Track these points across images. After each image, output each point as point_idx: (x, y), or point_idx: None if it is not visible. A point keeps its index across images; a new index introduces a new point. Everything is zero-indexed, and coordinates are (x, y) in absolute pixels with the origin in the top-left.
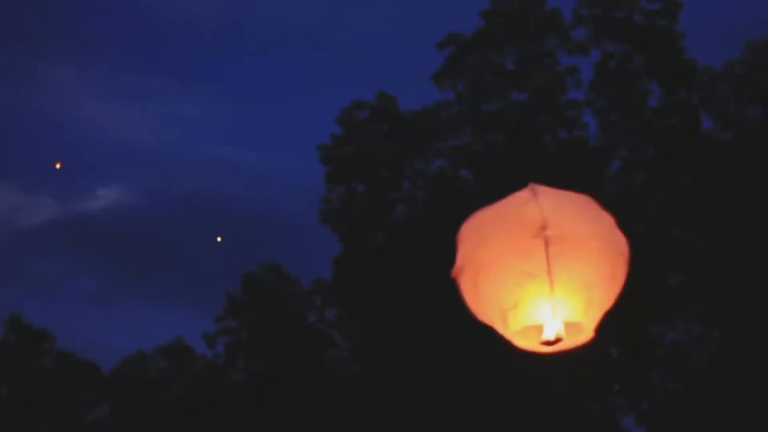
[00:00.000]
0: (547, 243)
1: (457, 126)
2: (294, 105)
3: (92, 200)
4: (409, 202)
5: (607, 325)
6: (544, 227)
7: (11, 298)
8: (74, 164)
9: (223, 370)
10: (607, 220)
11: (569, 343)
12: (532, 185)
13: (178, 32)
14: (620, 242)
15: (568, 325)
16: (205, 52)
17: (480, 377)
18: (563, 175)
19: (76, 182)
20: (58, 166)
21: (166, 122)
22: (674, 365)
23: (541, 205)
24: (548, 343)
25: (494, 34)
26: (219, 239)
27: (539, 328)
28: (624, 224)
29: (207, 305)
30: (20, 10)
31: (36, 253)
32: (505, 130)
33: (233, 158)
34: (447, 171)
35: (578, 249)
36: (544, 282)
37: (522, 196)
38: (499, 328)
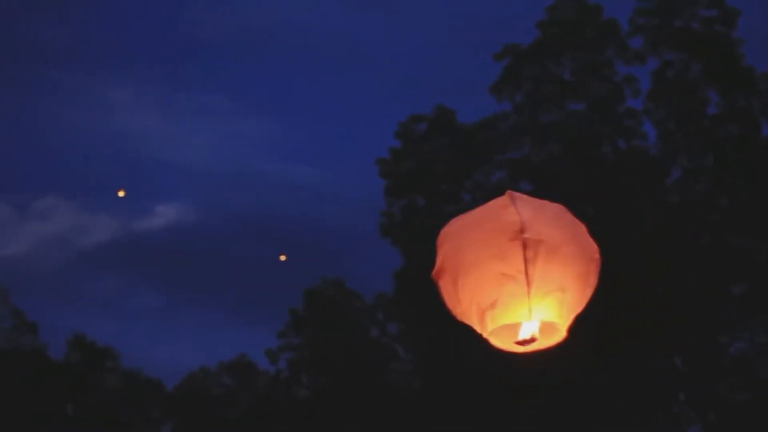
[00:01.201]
0: (524, 246)
1: (515, 137)
2: (352, 120)
3: (151, 218)
4: None
5: (671, 334)
6: (521, 231)
7: (74, 317)
8: (133, 183)
9: (287, 386)
10: (580, 227)
11: (543, 343)
12: (509, 192)
13: (233, 50)
14: (592, 248)
15: (543, 326)
16: (261, 70)
17: (542, 392)
18: (623, 185)
19: (135, 201)
20: (121, 193)
21: (223, 140)
22: (740, 375)
23: (518, 210)
24: (523, 343)
25: (551, 45)
26: (283, 258)
27: (515, 328)
28: (685, 233)
29: (269, 321)
30: (77, 35)
31: (97, 271)
32: (564, 141)
33: (292, 174)
34: (506, 183)
35: (553, 253)
36: (521, 283)
37: (500, 202)
38: (477, 328)
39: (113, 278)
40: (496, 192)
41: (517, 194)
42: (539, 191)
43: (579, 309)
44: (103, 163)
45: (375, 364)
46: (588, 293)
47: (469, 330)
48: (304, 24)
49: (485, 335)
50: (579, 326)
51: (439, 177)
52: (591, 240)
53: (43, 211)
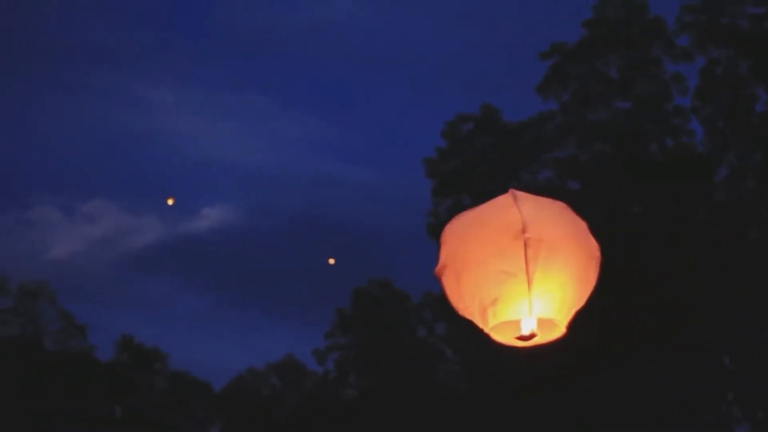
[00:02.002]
0: (525, 245)
1: (562, 136)
2: (398, 120)
3: (198, 220)
4: None
5: (719, 332)
6: (523, 230)
7: (122, 319)
8: (179, 185)
9: (334, 386)
10: (581, 225)
11: (543, 338)
12: (512, 191)
13: (278, 50)
14: (593, 246)
15: (543, 322)
16: (308, 70)
17: (594, 393)
18: (671, 184)
19: (181, 203)
20: (170, 201)
21: (270, 140)
22: None
23: (520, 209)
24: (524, 338)
25: (598, 43)
26: (332, 262)
27: (516, 324)
28: (733, 230)
29: (316, 322)
30: (121, 37)
31: (144, 273)
32: (611, 140)
33: (338, 175)
34: (554, 182)
35: (554, 251)
36: (522, 281)
37: (503, 200)
38: (479, 323)
39: (160, 280)
40: (544, 191)
41: (520, 193)
42: (586, 190)
43: (579, 306)
44: (150, 165)
45: (422, 364)
46: (588, 290)
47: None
48: (351, 24)
49: (487, 330)
50: (625, 324)
51: (486, 176)
52: (592, 238)
53: (90, 213)
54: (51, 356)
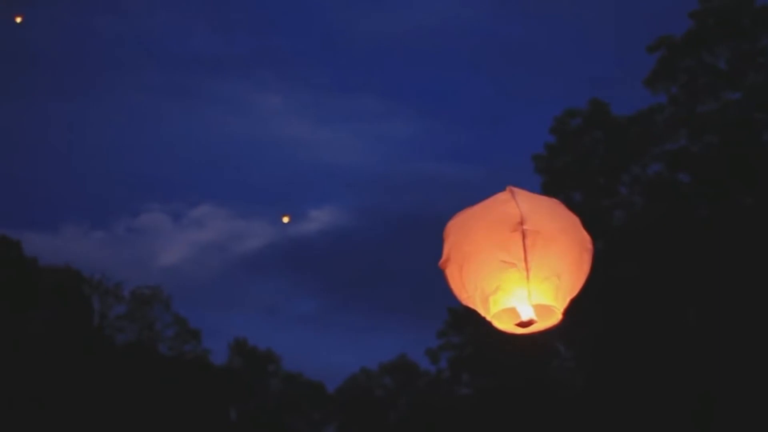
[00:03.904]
0: (524, 236)
1: (672, 129)
2: (505, 117)
3: (307, 223)
4: (626, 208)
5: None
6: (521, 222)
7: (234, 323)
8: (287, 188)
9: (448, 385)
10: (574, 219)
11: (541, 325)
12: (509, 187)
13: (383, 52)
14: (585, 239)
15: (541, 309)
16: (413, 71)
17: (703, 387)
18: None
19: (290, 206)
20: (286, 219)
21: (377, 142)
22: None
23: (518, 204)
24: (523, 325)
25: (705, 35)
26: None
27: (515, 312)
28: None
29: (428, 321)
30: (228, 44)
31: (255, 277)
32: (721, 131)
33: (445, 174)
34: (664, 175)
35: (550, 242)
36: (521, 270)
37: (501, 196)
38: (481, 311)
39: (271, 283)
40: (655, 185)
41: (517, 189)
42: (698, 182)
43: (573, 293)
44: (258, 169)
45: (536, 361)
46: (582, 279)
47: (632, 324)
48: (453, 24)
49: (488, 318)
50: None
51: (596, 171)
52: (584, 231)
53: (200, 218)
54: (166, 361)
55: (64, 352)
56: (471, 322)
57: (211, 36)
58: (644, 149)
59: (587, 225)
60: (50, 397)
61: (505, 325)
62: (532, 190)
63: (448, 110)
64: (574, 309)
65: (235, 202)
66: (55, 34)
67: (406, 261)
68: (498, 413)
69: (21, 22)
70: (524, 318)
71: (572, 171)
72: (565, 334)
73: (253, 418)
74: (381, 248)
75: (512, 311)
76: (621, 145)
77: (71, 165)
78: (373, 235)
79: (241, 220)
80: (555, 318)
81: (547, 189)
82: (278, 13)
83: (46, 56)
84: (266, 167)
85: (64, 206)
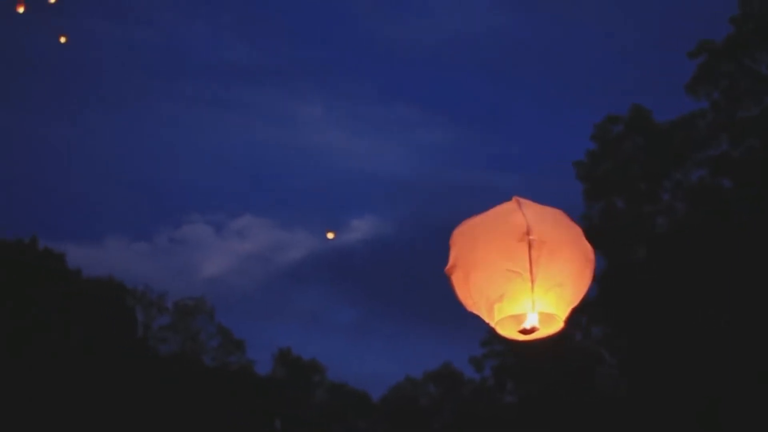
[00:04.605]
0: (529, 246)
1: (714, 134)
2: (545, 124)
3: (348, 232)
4: (669, 215)
5: None
6: (527, 233)
7: (277, 333)
8: (327, 198)
9: (492, 394)
10: (577, 230)
11: (544, 332)
12: (515, 198)
13: (421, 61)
14: (588, 249)
15: (544, 317)
16: (451, 79)
17: (750, 392)
18: None
19: (330, 216)
20: (331, 236)
21: (416, 150)
22: None
23: (525, 214)
24: (526, 332)
25: (746, 40)
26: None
27: (519, 319)
28: None
29: (472, 329)
30: (266, 54)
31: (298, 287)
32: (762, 136)
33: (487, 182)
34: (706, 181)
35: (554, 252)
36: (526, 279)
37: (507, 206)
38: (485, 318)
39: (314, 293)
40: (697, 191)
41: (523, 200)
42: (740, 187)
43: (575, 302)
44: (298, 179)
45: (580, 368)
46: (583, 289)
47: (677, 330)
48: (492, 32)
49: (492, 324)
50: None
51: (638, 177)
52: (587, 242)
53: (242, 229)
54: (210, 372)
55: (109, 364)
56: None
57: (248, 47)
58: (686, 155)
59: (629, 231)
60: (96, 408)
61: (508, 331)
62: (574, 197)
63: (486, 118)
64: (617, 316)
65: (277, 212)
66: (94, 47)
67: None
68: (542, 421)
69: (65, 42)
70: (527, 326)
71: (614, 177)
72: (608, 340)
73: (299, 429)
74: (422, 256)
75: (516, 318)
76: (663, 151)
77: (114, 177)
78: (414, 243)
79: (282, 231)
80: (557, 326)
81: (589, 196)
82: (315, 23)
83: (85, 69)
84: (306, 177)
85: (106, 218)
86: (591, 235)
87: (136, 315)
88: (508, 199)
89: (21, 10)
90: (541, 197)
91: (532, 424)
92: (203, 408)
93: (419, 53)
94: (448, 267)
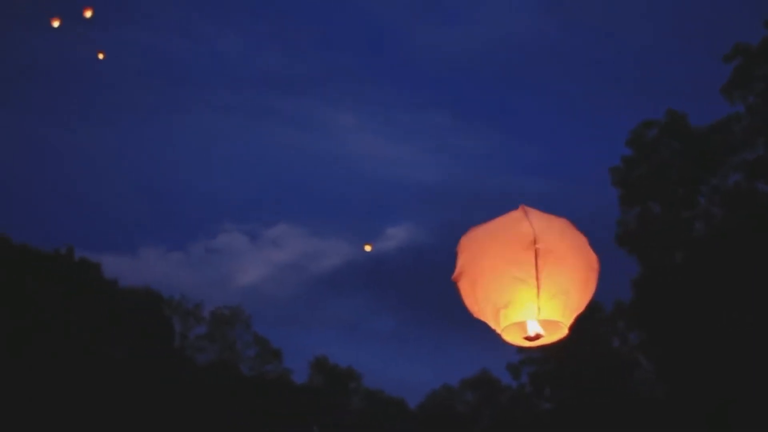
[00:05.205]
0: (536, 254)
1: (750, 138)
2: (579, 130)
3: (383, 240)
4: (706, 219)
5: None
6: (534, 242)
7: (314, 341)
8: (363, 206)
9: (529, 400)
10: (582, 239)
11: (548, 339)
12: (522, 206)
13: (456, 68)
14: (592, 258)
15: (549, 324)
16: (483, 86)
17: None
18: None
19: (366, 223)
20: (368, 248)
21: (451, 158)
22: None
23: (531, 223)
24: (531, 339)
25: None
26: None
27: (524, 325)
28: None
29: None
30: (299, 63)
31: (333, 295)
32: None
33: (521, 188)
34: (742, 185)
35: (560, 261)
36: (532, 287)
37: (514, 215)
38: (492, 324)
39: (350, 301)
40: (733, 195)
41: (529, 209)
42: None
43: (580, 310)
44: (332, 187)
45: (617, 374)
46: (588, 297)
47: (715, 335)
48: (526, 39)
49: (498, 331)
50: None
51: (674, 182)
52: (591, 251)
53: (277, 238)
54: (248, 381)
55: (146, 373)
56: None
57: (282, 56)
58: (722, 159)
59: (666, 237)
60: (134, 417)
61: (514, 338)
62: (610, 203)
63: (520, 124)
64: (654, 321)
65: (311, 220)
66: (129, 57)
67: None
68: (579, 427)
69: (103, 58)
70: (532, 333)
71: (649, 183)
72: (645, 345)
73: None
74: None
75: (521, 325)
76: (699, 156)
77: (149, 187)
78: (449, 250)
79: (317, 239)
80: (561, 333)
81: (625, 201)
82: (348, 32)
83: (121, 80)
84: (341, 185)
85: (142, 228)
86: (627, 241)
87: (173, 325)
88: (555, 204)
89: (56, 24)
90: (576, 203)
91: (569, 430)
92: (241, 417)
93: (453, 61)
94: (455, 274)
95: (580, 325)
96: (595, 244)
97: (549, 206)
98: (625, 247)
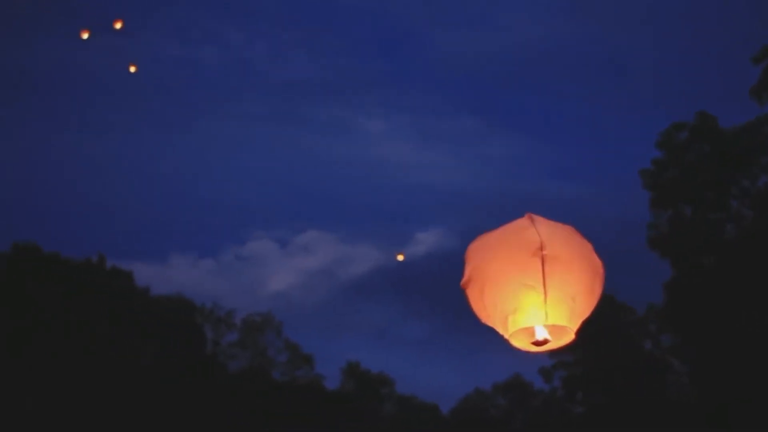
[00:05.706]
0: (543, 261)
1: None
2: (608, 133)
3: (413, 245)
4: (737, 222)
5: None
6: (541, 249)
7: (345, 347)
8: (392, 212)
9: (562, 404)
10: (587, 245)
11: (555, 344)
12: (529, 214)
13: (485, 72)
14: (598, 264)
15: (556, 329)
16: (514, 90)
17: None
18: None
19: (396, 229)
20: (400, 257)
21: (480, 163)
22: None
23: (538, 230)
24: (538, 344)
25: None
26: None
27: (532, 331)
28: None
29: None
30: (329, 70)
31: (364, 300)
32: None
33: (551, 193)
34: None
35: (567, 267)
36: (539, 293)
37: (521, 223)
38: (500, 330)
39: (380, 306)
40: (764, 196)
41: (536, 216)
42: None
43: (586, 315)
44: (361, 193)
45: (650, 377)
46: (594, 302)
47: (747, 337)
48: (556, 44)
49: (506, 336)
50: None
51: (705, 185)
52: (597, 257)
53: (307, 244)
54: (280, 387)
55: (179, 380)
56: (584, 339)
57: (310, 62)
58: (753, 160)
59: (697, 239)
60: (166, 424)
61: (521, 343)
62: (640, 205)
63: (549, 128)
64: (686, 324)
65: (341, 227)
66: (158, 66)
67: None
68: (612, 430)
69: (135, 71)
70: (539, 338)
71: (680, 185)
72: (678, 348)
73: None
74: None
75: (529, 330)
76: (729, 158)
77: (179, 195)
78: None
79: (347, 245)
80: (568, 337)
81: (656, 204)
82: (376, 37)
83: (149, 89)
84: (370, 191)
85: (173, 236)
86: (658, 244)
87: (204, 332)
88: (585, 208)
89: (86, 36)
90: (607, 207)
91: None
92: (273, 423)
93: (483, 66)
94: (463, 281)
95: (611, 327)
96: (627, 248)
97: (580, 210)
98: (657, 251)
